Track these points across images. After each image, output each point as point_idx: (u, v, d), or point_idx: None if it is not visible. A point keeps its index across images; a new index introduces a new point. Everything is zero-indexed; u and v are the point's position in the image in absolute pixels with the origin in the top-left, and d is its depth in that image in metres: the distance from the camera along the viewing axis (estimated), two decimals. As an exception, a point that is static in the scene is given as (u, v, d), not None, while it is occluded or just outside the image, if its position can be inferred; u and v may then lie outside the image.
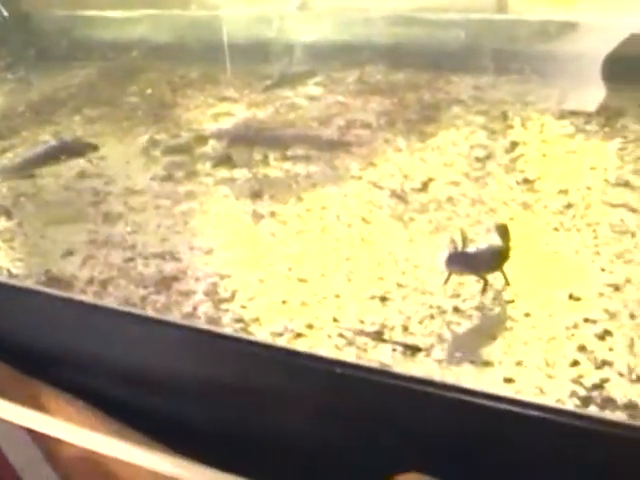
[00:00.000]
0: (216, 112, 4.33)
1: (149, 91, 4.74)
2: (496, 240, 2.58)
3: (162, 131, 4.10)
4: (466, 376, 2.13)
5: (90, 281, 2.73)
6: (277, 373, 1.55)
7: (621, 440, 1.27)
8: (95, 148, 3.76)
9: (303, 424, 1.50)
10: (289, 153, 3.70)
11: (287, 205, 3.19)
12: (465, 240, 2.44)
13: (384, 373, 1.51)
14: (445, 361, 2.20)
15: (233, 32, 5.09)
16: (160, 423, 1.59)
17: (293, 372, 1.54)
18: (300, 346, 2.27)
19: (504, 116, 3.91)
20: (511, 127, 3.80)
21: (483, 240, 2.66)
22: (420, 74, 4.55)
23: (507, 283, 2.51)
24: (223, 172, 3.56)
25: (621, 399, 2.01)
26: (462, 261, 2.43)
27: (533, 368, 2.14)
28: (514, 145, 3.59)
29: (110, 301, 2.58)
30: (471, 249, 2.47)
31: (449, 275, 2.49)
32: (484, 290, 2.45)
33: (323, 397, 1.49)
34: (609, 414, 1.94)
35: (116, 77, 5.01)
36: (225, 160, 3.65)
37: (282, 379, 1.55)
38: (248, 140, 3.87)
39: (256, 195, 3.29)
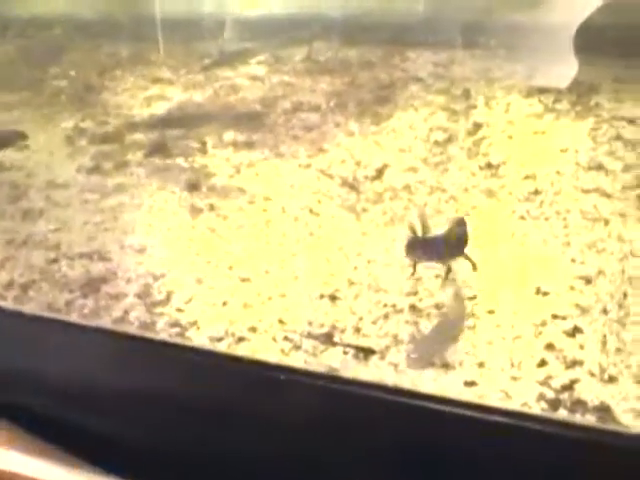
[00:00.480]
0: (149, 95, 4.33)
1: (73, 73, 4.72)
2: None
3: (88, 118, 4.08)
4: (424, 380, 2.15)
5: (9, 285, 2.71)
6: (217, 381, 1.57)
7: (592, 445, 1.31)
8: (23, 137, 3.73)
9: (245, 435, 1.52)
10: (230, 139, 3.72)
11: (228, 197, 3.20)
12: (425, 225, 2.47)
13: (333, 379, 1.53)
14: (401, 364, 2.22)
15: (167, 5, 5.07)
16: (88, 440, 1.60)
17: (234, 380, 1.55)
18: (242, 351, 2.28)
19: (466, 95, 3.96)
20: (474, 107, 3.85)
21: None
22: (374, 50, 4.58)
23: (474, 268, 2.55)
24: (157, 162, 3.56)
25: (592, 401, 2.04)
26: (424, 247, 2.46)
27: (497, 370, 2.16)
28: (477, 127, 3.64)
29: (31, 307, 2.57)
30: (433, 235, 2.51)
31: (414, 265, 2.53)
32: (446, 278, 2.50)
33: (266, 406, 1.51)
34: (579, 418, 1.97)
35: (36, 57, 4.97)
36: (159, 148, 3.65)
37: (223, 388, 1.56)
38: (184, 126, 3.87)
39: (193, 187, 3.30)
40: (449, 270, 2.52)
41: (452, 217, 2.75)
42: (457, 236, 2.55)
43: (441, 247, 2.48)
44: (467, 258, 2.55)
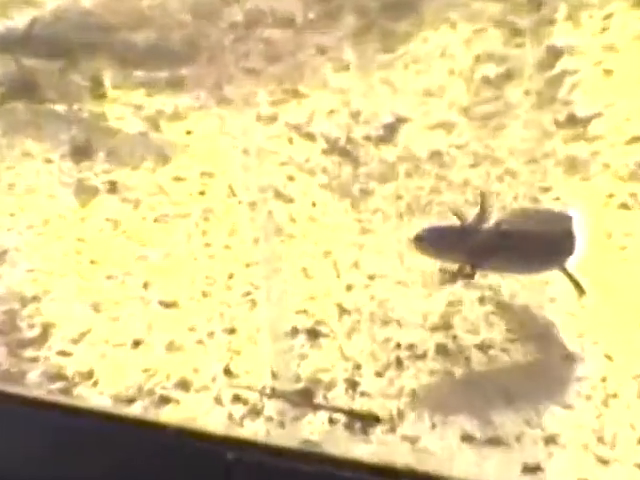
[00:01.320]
0: (4, -1, 4.41)
1: None
2: None
3: None
4: (459, 463, 2.22)
5: None
6: (128, 461, 1.69)
7: None
8: None
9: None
10: (141, 75, 3.82)
11: (138, 170, 3.31)
12: (485, 208, 2.60)
13: (313, 458, 1.66)
14: (421, 438, 2.30)
15: None
16: None
17: (155, 462, 1.68)
18: (166, 418, 2.36)
19: (537, 2, 4.01)
20: (550, 22, 3.91)
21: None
22: None
23: (581, 293, 2.66)
24: (20, 110, 3.65)
25: None
26: (464, 241, 2.58)
27: (576, 446, 2.25)
28: (555, 56, 3.71)
29: None
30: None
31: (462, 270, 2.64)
32: (465, 276, 2.63)
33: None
34: None
35: None
36: (24, 89, 3.72)
37: (138, 470, 1.68)
38: (65, 52, 3.93)
39: (82, 152, 3.39)
40: (473, 275, 2.63)
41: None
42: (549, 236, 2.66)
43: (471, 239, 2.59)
44: (568, 275, 2.68)
